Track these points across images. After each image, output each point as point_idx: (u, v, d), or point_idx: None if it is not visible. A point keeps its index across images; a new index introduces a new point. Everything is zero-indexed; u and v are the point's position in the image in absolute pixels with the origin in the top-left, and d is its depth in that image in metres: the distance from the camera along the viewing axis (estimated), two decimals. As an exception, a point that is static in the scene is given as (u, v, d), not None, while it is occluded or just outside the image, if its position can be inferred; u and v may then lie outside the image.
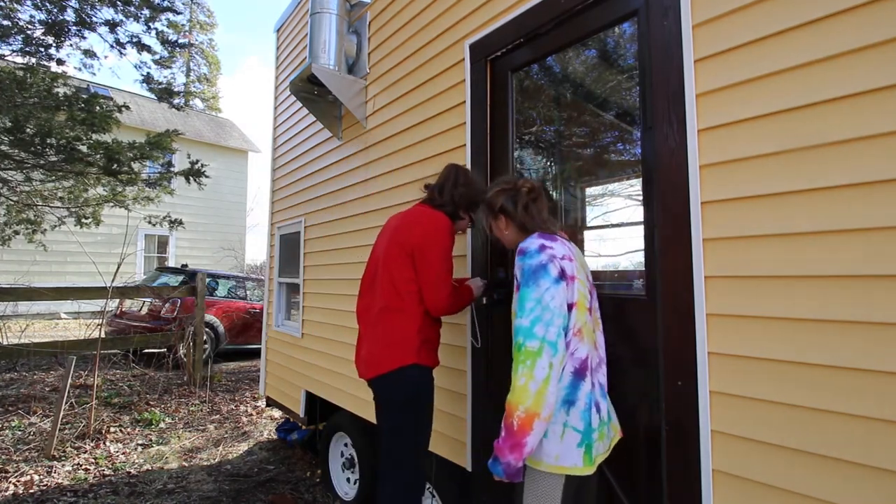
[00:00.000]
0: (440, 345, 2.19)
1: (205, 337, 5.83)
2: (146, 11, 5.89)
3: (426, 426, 1.70)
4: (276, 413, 4.64)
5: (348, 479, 2.94)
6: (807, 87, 1.11)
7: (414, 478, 1.66)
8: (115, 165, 5.52)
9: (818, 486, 1.06)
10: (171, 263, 12.48)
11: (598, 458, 1.23)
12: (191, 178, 6.02)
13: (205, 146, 13.71)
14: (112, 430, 3.95)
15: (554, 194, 2.70)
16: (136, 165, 5.89)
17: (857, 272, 1.03)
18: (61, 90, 5.30)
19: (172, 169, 6.53)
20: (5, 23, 5.12)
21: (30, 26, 5.30)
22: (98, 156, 5.42)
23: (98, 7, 5.61)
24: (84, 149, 5.37)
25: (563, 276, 1.20)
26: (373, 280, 1.80)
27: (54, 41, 5.33)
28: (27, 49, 5.26)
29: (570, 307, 1.21)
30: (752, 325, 1.18)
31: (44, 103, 5.00)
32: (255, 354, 7.38)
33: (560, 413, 1.19)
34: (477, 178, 1.84)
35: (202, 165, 6.12)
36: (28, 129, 4.94)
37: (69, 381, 3.58)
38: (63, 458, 3.36)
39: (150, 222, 6.78)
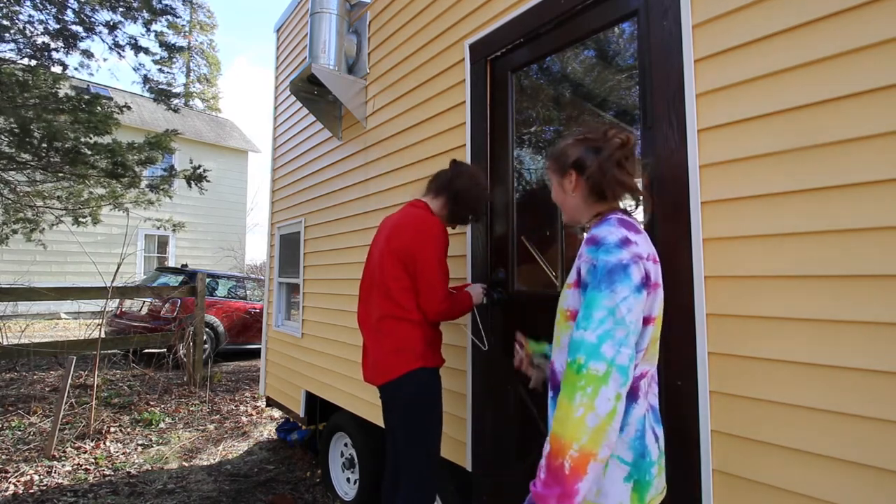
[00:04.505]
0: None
1: (205, 337, 5.83)
2: (145, 14, 5.88)
3: (437, 427, 1.71)
4: (276, 413, 4.63)
5: (348, 479, 2.94)
6: (807, 86, 1.11)
7: (426, 479, 1.66)
8: (121, 169, 5.54)
9: (818, 485, 1.06)
10: (171, 263, 12.48)
11: (655, 500, 0.99)
12: (192, 183, 6.03)
13: (205, 146, 13.71)
14: (112, 430, 3.95)
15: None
16: (139, 169, 5.91)
17: (857, 272, 1.03)
18: (63, 91, 5.30)
19: (174, 172, 6.53)
20: (4, 23, 5.11)
21: (30, 27, 5.29)
22: (101, 157, 5.42)
23: (98, 9, 5.60)
24: (88, 151, 5.37)
25: (646, 282, 0.94)
26: (370, 287, 1.80)
27: (63, 46, 5.32)
28: (28, 50, 5.26)
29: (646, 321, 0.96)
30: (751, 325, 1.18)
31: (47, 105, 5.00)
32: (255, 354, 7.38)
33: None
34: (480, 176, 1.82)
35: (205, 171, 6.14)
36: (36, 133, 4.94)
37: (69, 381, 3.58)
38: (63, 459, 3.36)
39: (154, 225, 6.78)
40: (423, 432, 1.66)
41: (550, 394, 1.11)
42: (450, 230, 2.20)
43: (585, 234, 1.04)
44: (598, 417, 0.84)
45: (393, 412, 1.72)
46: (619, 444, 0.96)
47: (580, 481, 0.83)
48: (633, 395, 0.99)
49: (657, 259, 1.01)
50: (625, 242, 0.95)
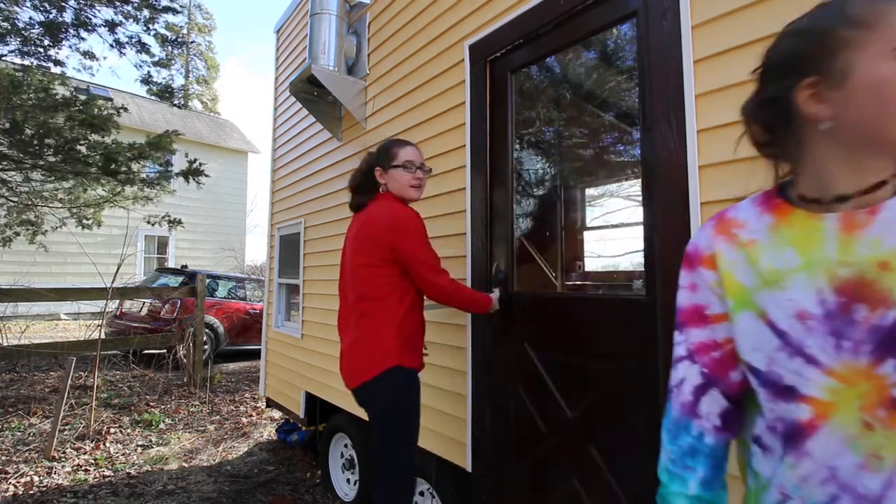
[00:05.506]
0: (440, 345, 2.19)
1: (204, 338, 5.83)
2: (146, 13, 5.90)
3: (411, 434, 1.61)
4: (276, 414, 4.63)
5: (348, 480, 2.94)
6: (805, 87, 1.12)
7: (395, 489, 1.57)
8: (114, 165, 5.53)
9: (818, 485, 1.06)
10: (171, 264, 12.48)
11: None
12: (190, 178, 6.01)
13: (205, 147, 13.72)
14: (112, 431, 3.95)
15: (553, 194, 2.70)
16: (134, 165, 5.90)
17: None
18: (59, 91, 5.31)
19: (171, 169, 6.53)
20: (3, 24, 5.12)
21: (28, 27, 5.30)
22: (97, 156, 5.43)
23: (97, 8, 5.61)
24: (83, 149, 5.38)
25: None
26: (344, 288, 1.79)
27: (51, 41, 5.33)
28: (24, 49, 5.26)
29: None
30: (751, 325, 1.18)
31: (41, 104, 5.01)
32: (255, 355, 7.38)
33: None
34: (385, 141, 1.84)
35: (201, 164, 6.12)
36: (28, 131, 4.94)
37: (69, 382, 3.58)
38: (63, 459, 3.36)
39: (148, 222, 6.77)
40: (396, 440, 1.56)
41: None
42: (449, 230, 2.20)
43: None
44: None
45: (369, 417, 1.62)
46: None
47: None
48: None
49: None
50: None
